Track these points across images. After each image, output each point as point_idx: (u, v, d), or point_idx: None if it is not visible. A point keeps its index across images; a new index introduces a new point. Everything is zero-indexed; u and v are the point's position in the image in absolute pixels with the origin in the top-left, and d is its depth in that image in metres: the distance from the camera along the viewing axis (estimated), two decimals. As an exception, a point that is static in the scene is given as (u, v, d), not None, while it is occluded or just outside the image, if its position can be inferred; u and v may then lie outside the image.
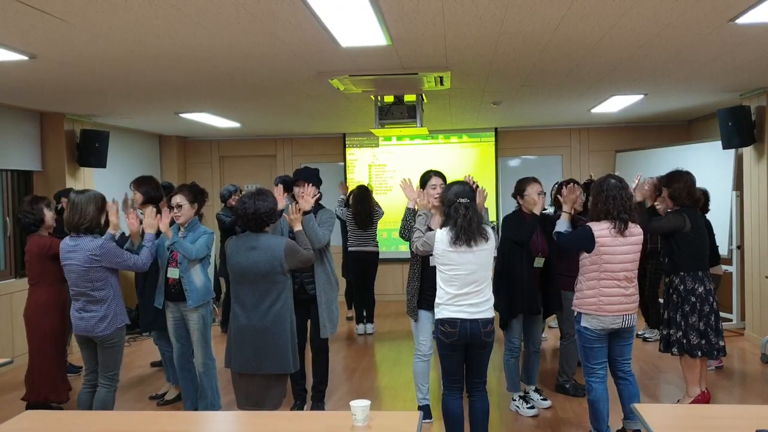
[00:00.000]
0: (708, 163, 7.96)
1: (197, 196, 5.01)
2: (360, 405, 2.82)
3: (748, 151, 7.22)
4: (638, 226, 4.35)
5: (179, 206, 4.87)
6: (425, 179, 4.94)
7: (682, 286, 5.00)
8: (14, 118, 7.08)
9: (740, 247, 7.57)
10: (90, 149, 7.61)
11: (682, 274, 5.00)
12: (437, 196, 4.65)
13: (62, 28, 3.91)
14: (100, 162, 7.72)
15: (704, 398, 5.05)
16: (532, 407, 5.21)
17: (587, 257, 4.31)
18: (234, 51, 4.63)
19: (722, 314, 5.48)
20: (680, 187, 5.03)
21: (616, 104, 7.76)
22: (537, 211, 4.97)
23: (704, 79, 6.26)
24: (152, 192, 5.37)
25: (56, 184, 7.32)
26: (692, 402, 5.00)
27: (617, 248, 4.22)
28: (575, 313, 4.41)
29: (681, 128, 9.87)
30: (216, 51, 4.61)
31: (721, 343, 5.05)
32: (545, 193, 5.15)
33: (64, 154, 7.49)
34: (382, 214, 8.23)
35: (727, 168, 7.76)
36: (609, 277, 4.24)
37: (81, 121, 7.75)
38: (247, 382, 4.18)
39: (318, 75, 5.54)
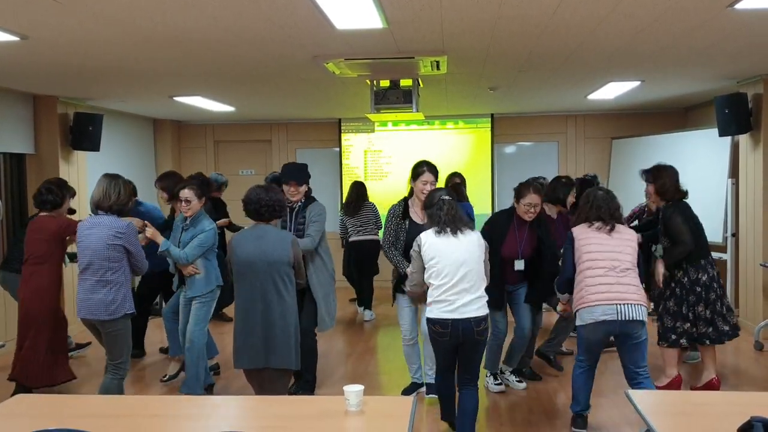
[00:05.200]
0: (704, 151, 7.94)
1: (204, 189, 5.19)
2: (353, 390, 2.82)
3: (744, 139, 7.20)
4: (632, 230, 4.45)
5: (187, 201, 5.03)
6: (417, 171, 4.92)
7: (686, 278, 4.99)
8: (7, 101, 7.00)
9: (735, 235, 7.57)
10: (83, 132, 7.54)
11: (685, 266, 5.00)
12: (425, 192, 4.69)
13: (54, 8, 3.86)
14: (93, 145, 7.66)
15: (678, 381, 5.10)
16: (500, 383, 5.33)
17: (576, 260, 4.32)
18: (228, 34, 4.58)
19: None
20: (667, 182, 5.05)
21: (612, 91, 7.72)
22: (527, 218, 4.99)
23: (701, 66, 6.23)
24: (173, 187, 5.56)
25: (49, 168, 7.26)
26: (668, 383, 5.05)
27: (602, 241, 4.22)
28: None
29: (677, 115, 9.84)
30: (210, 33, 4.56)
31: (726, 328, 5.02)
32: (541, 202, 5.07)
33: (57, 138, 7.42)
34: (378, 218, 8.10)
35: (723, 155, 7.73)
36: (591, 266, 4.20)
37: (74, 104, 7.68)
38: (256, 376, 4.21)
39: (313, 58, 5.49)
